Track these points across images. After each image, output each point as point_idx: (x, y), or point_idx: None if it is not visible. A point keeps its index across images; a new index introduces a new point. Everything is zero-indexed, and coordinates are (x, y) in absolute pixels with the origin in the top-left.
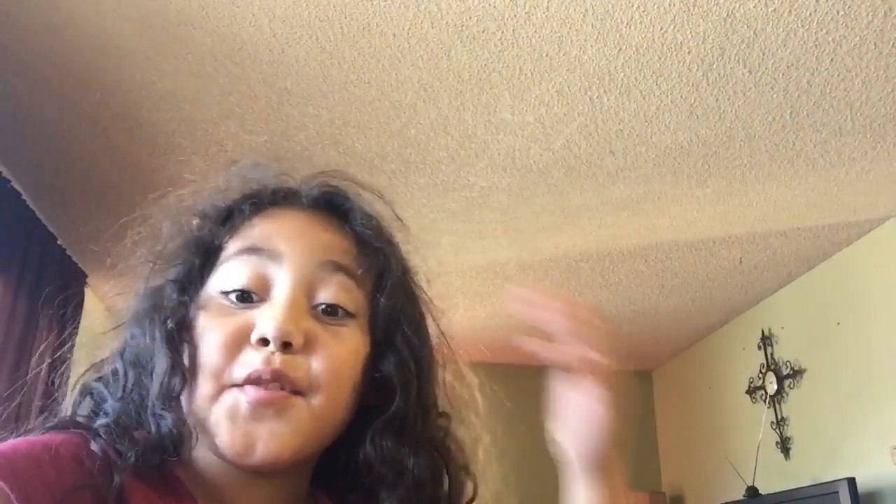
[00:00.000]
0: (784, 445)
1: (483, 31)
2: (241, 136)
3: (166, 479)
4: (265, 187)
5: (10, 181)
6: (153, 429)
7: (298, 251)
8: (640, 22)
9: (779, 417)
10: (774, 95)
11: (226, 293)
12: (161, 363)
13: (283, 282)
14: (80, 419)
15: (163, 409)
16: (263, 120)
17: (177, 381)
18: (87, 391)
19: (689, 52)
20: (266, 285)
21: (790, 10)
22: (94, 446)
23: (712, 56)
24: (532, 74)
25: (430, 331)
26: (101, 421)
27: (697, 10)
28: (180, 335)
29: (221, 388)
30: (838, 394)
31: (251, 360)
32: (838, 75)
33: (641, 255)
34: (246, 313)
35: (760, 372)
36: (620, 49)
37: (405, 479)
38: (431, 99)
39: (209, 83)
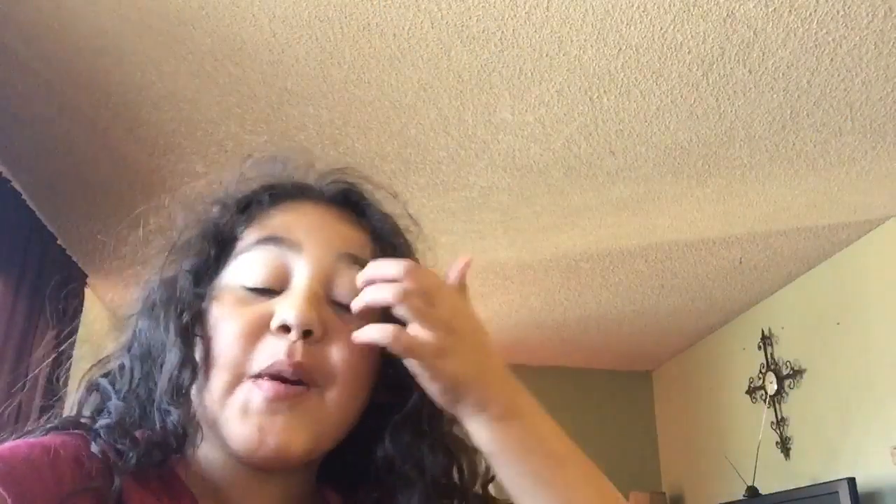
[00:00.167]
0: (784, 445)
1: (483, 31)
2: (241, 136)
3: (167, 478)
4: (283, 180)
5: (10, 181)
6: (158, 424)
7: (317, 242)
8: (640, 22)
9: (779, 417)
10: (774, 95)
11: (244, 282)
12: (172, 356)
13: (301, 272)
14: (81, 419)
15: (170, 403)
16: (263, 120)
17: (187, 374)
18: (92, 388)
19: (689, 52)
20: (285, 275)
21: (790, 10)
22: (94, 448)
23: (712, 56)
24: (532, 74)
25: None
26: (102, 421)
27: (697, 10)
28: (194, 328)
29: (237, 380)
30: (838, 394)
31: (273, 350)
32: (838, 75)
33: (641, 255)
34: (264, 303)
35: (760, 372)
36: (620, 49)
37: (424, 476)
38: (431, 99)
39: (209, 83)
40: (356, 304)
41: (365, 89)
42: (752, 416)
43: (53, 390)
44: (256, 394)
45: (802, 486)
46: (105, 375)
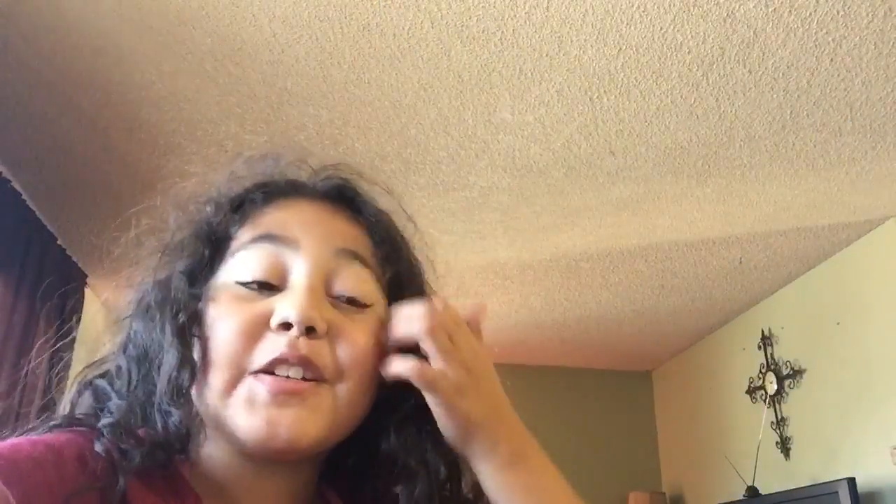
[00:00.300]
0: (784, 445)
1: (483, 31)
2: (241, 136)
3: (171, 478)
4: (276, 177)
5: (10, 181)
6: (160, 425)
7: (314, 239)
8: (640, 22)
9: (779, 417)
10: (774, 95)
11: (241, 280)
12: (170, 357)
13: (300, 269)
14: (83, 417)
15: (171, 404)
16: (263, 120)
17: (186, 375)
18: (85, 388)
19: (689, 52)
20: (282, 273)
21: (790, 10)
22: (97, 447)
23: (712, 56)
24: (532, 74)
25: None
26: (105, 420)
27: (697, 10)
28: (191, 328)
29: (238, 377)
30: (838, 394)
31: (274, 345)
32: (838, 75)
33: (641, 255)
34: (263, 300)
35: (760, 372)
36: (620, 49)
37: (428, 472)
38: (431, 99)
39: (209, 83)
40: (392, 338)
41: (365, 89)
42: (752, 416)
43: (52, 390)
44: (260, 388)
45: (802, 486)
46: (102, 376)
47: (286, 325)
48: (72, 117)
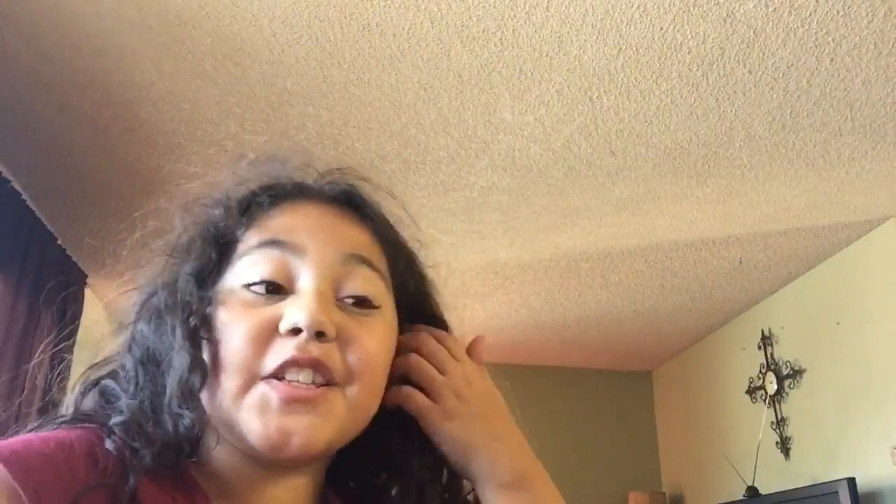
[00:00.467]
0: (784, 445)
1: (483, 31)
2: (241, 136)
3: (180, 478)
4: (282, 180)
5: (10, 181)
6: (170, 427)
7: (321, 244)
8: (640, 22)
9: (779, 417)
10: (774, 95)
11: (249, 285)
12: (180, 360)
13: (307, 275)
14: (93, 414)
15: (181, 406)
16: (263, 120)
17: (197, 377)
18: (89, 389)
19: (689, 52)
20: (290, 279)
21: (790, 10)
22: (108, 444)
23: (712, 56)
24: (532, 74)
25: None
26: (116, 419)
27: (697, 10)
28: (200, 332)
29: (250, 383)
30: (838, 394)
31: (284, 349)
32: (838, 75)
33: (641, 255)
34: (272, 306)
35: (760, 372)
36: (620, 49)
37: (430, 473)
38: (431, 99)
39: (209, 83)
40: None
41: (365, 89)
42: (752, 416)
43: (53, 391)
44: (272, 394)
45: (802, 486)
46: (105, 377)
47: (296, 330)
48: (72, 117)
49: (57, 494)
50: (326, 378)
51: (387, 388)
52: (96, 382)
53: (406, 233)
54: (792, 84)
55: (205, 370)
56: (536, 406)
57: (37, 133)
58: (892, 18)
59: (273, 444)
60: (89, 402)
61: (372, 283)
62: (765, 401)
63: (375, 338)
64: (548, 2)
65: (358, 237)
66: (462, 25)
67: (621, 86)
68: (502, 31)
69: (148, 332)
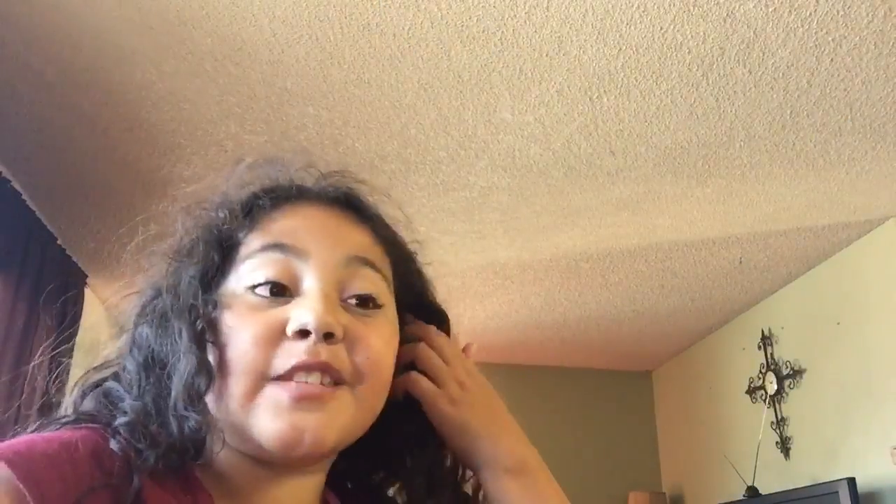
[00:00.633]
0: (784, 445)
1: (483, 31)
2: (241, 136)
3: (184, 478)
4: (283, 182)
5: (10, 181)
6: (175, 429)
7: (324, 247)
8: (640, 22)
9: (779, 417)
10: (774, 95)
11: (254, 287)
12: (187, 363)
13: (312, 277)
14: (97, 414)
15: (187, 409)
16: (263, 120)
17: (203, 380)
18: (89, 391)
19: (689, 52)
20: (294, 281)
21: (790, 10)
22: (113, 445)
23: (712, 56)
24: (532, 74)
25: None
26: (122, 419)
27: (697, 10)
28: (206, 335)
29: (260, 385)
30: (838, 394)
31: (293, 353)
32: (838, 75)
33: (641, 255)
34: (277, 308)
35: (760, 372)
36: (620, 49)
37: (435, 468)
38: (431, 99)
39: (209, 83)
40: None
41: (365, 89)
42: (752, 416)
43: (53, 391)
44: (283, 394)
45: (802, 486)
46: (106, 379)
47: (303, 332)
48: (72, 117)
49: (61, 495)
50: (335, 379)
51: (391, 385)
52: (96, 385)
53: (404, 233)
54: (792, 84)
55: (211, 372)
56: (536, 406)
57: (37, 133)
58: (892, 18)
59: (286, 443)
60: (91, 404)
61: (375, 283)
62: (765, 401)
63: (381, 338)
64: (548, 2)
65: (359, 239)
66: (462, 25)
67: (621, 86)
68: (502, 31)
69: (150, 335)
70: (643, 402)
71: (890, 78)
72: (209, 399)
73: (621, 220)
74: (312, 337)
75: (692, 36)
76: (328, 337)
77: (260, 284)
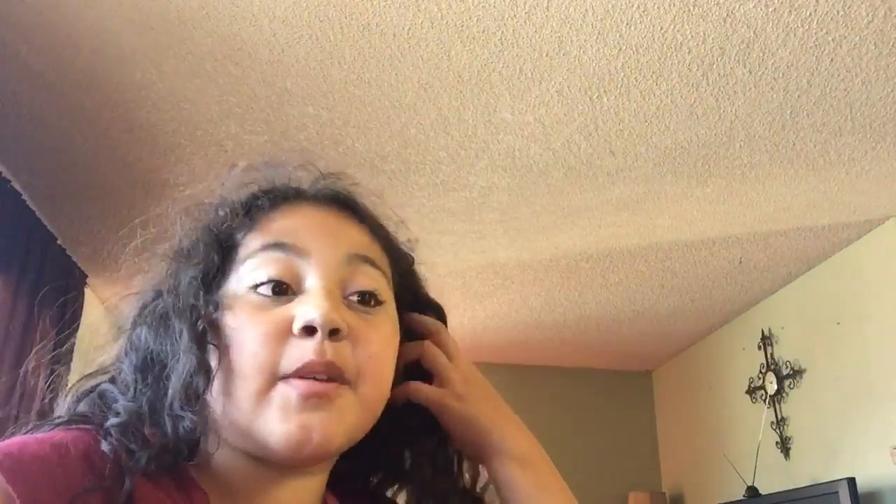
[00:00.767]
0: (784, 445)
1: (483, 31)
2: (241, 136)
3: (178, 479)
4: (281, 182)
5: (10, 181)
6: (169, 429)
7: (325, 246)
8: (640, 22)
9: (779, 417)
10: (774, 95)
11: (256, 287)
12: (186, 362)
13: (314, 276)
14: (90, 415)
15: (183, 408)
16: (263, 120)
17: (201, 380)
18: (84, 396)
19: (689, 52)
20: (296, 280)
21: (790, 10)
22: (104, 446)
23: (712, 56)
24: (532, 74)
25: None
26: (113, 420)
27: (697, 10)
28: (207, 336)
29: (271, 384)
30: (838, 394)
31: (301, 352)
32: (838, 75)
33: (641, 255)
34: (281, 307)
35: (760, 372)
36: (620, 49)
37: (436, 470)
38: (431, 99)
39: (209, 83)
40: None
41: (365, 89)
42: (752, 416)
43: (52, 391)
44: (292, 392)
45: (802, 486)
46: (102, 383)
47: (309, 330)
48: (72, 117)
49: (52, 497)
50: (338, 378)
51: (393, 384)
52: (91, 389)
53: (399, 233)
54: (792, 84)
55: (209, 372)
56: (536, 406)
57: (37, 133)
58: (892, 18)
59: (295, 443)
60: (86, 406)
61: (376, 280)
62: (765, 401)
63: (383, 336)
64: (548, 2)
65: (358, 237)
66: (462, 25)
67: (621, 86)
68: (502, 31)
69: (148, 337)
70: (643, 402)
71: (890, 78)
72: (211, 401)
73: (621, 220)
74: (319, 334)
75: (692, 36)
76: (334, 333)
77: (262, 284)
